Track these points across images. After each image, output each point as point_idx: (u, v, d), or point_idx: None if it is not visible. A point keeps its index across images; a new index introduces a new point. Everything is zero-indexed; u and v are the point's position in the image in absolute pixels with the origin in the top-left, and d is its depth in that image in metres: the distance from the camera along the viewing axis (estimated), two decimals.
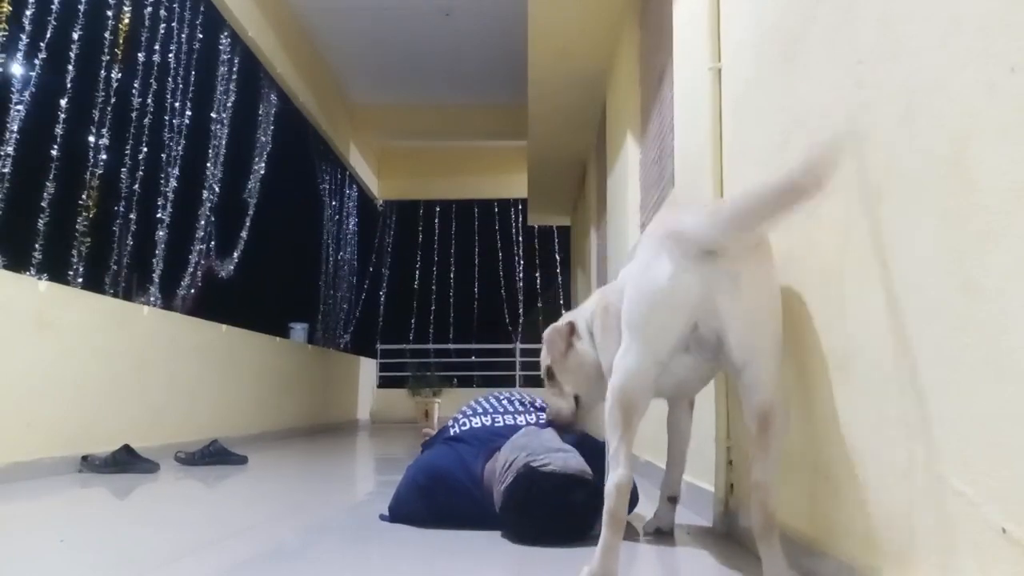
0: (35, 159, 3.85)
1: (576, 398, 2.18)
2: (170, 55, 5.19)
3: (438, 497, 2.17)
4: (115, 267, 4.54)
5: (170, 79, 5.18)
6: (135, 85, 4.73)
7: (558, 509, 1.89)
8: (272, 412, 6.59)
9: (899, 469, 1.14)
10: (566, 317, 2.24)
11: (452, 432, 2.38)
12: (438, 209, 11.42)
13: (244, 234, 6.60)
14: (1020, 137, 0.87)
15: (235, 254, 6.45)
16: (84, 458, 3.66)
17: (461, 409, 2.56)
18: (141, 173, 4.76)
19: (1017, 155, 0.88)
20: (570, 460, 1.95)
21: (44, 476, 3.41)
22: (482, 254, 11.31)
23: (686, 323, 1.46)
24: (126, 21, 4.59)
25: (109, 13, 4.46)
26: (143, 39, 4.82)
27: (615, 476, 1.47)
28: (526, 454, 1.96)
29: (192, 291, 5.55)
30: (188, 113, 5.39)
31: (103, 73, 4.36)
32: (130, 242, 4.67)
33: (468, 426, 2.38)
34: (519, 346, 11.08)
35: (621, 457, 1.48)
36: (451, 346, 11.14)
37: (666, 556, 1.99)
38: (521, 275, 11.35)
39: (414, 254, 11.33)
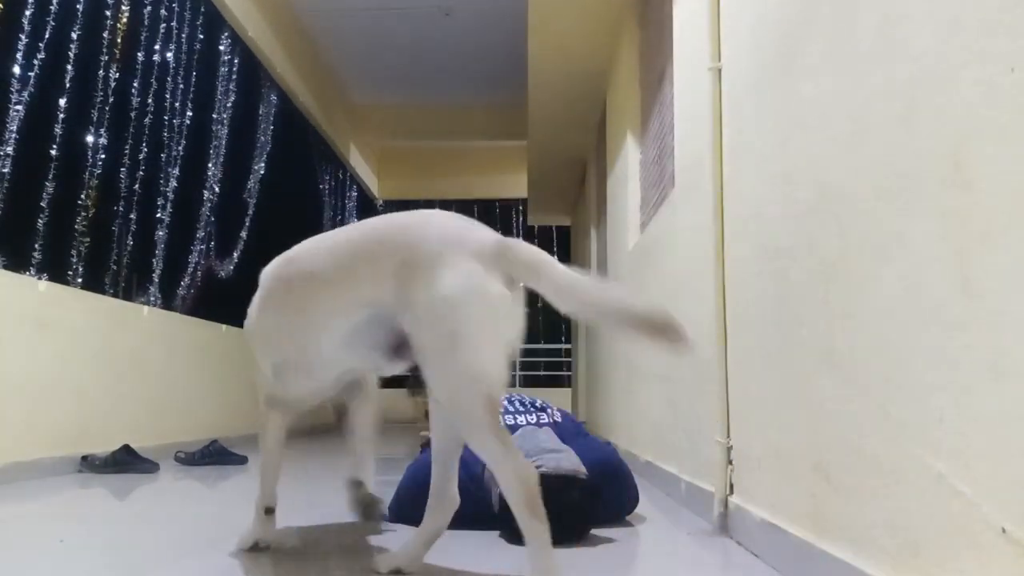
0: (34, 159, 3.85)
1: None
2: (170, 55, 5.19)
3: None
4: (115, 267, 4.54)
5: (170, 79, 5.18)
6: (135, 85, 4.73)
7: (552, 509, 1.89)
8: None
9: (899, 469, 1.14)
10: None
11: None
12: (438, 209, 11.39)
13: (244, 234, 6.60)
14: (1020, 137, 0.87)
15: (235, 254, 6.44)
16: (84, 458, 3.66)
17: None
18: (141, 173, 4.75)
19: (1017, 155, 0.88)
20: (563, 461, 1.95)
21: (44, 476, 3.41)
22: None
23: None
24: (125, 20, 4.59)
25: (108, 13, 4.46)
26: (143, 39, 4.82)
27: (518, 466, 1.40)
28: None
29: (192, 291, 5.55)
30: (188, 113, 5.39)
31: (102, 73, 4.36)
32: (130, 242, 4.67)
33: None
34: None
35: (510, 446, 1.41)
36: None
37: (665, 557, 1.99)
38: None
39: None
